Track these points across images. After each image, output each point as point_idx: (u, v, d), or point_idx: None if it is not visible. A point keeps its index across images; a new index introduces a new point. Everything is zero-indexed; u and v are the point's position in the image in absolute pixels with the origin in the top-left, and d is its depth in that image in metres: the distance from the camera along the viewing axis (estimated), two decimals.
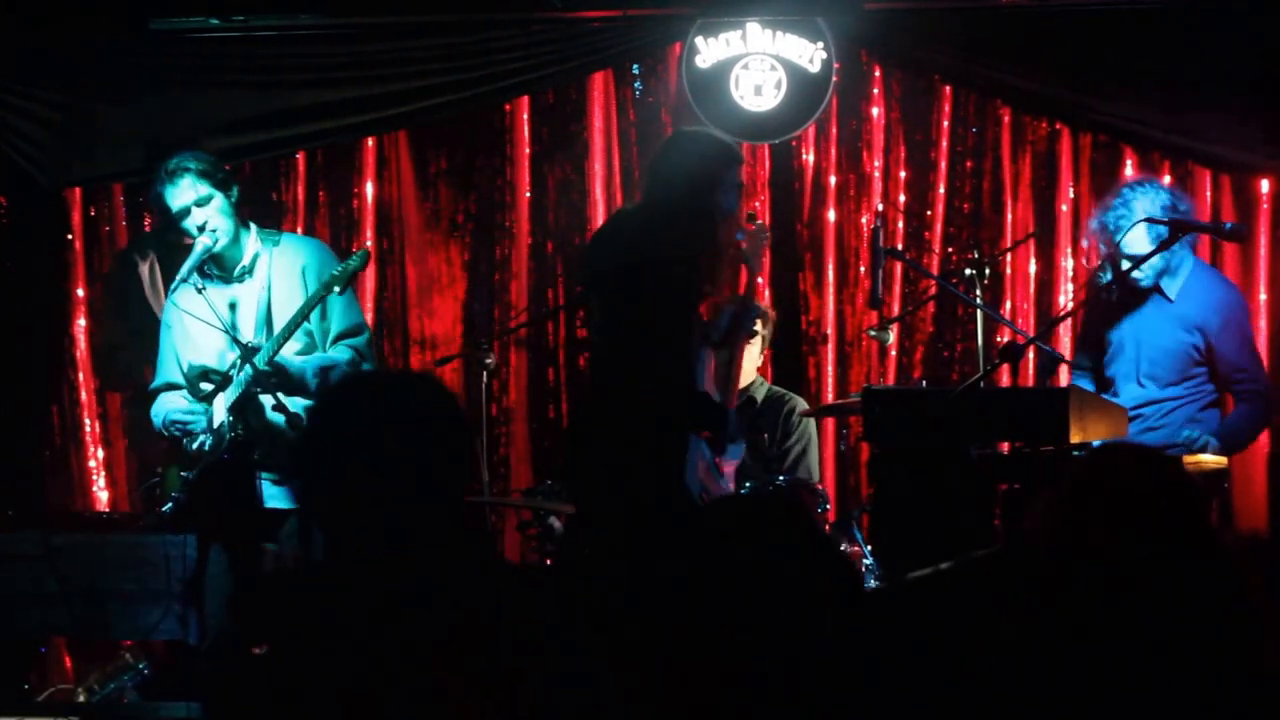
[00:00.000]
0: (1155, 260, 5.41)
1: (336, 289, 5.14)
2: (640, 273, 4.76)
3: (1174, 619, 2.41)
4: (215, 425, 5.30)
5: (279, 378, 5.13)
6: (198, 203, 5.22)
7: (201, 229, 5.23)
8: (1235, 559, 2.50)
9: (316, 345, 5.34)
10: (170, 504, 5.39)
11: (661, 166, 4.98)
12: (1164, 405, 5.55)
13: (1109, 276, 5.56)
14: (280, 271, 5.34)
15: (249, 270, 5.34)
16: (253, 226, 5.43)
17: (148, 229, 6.93)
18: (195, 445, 5.33)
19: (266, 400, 5.14)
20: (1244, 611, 2.45)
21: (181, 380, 5.44)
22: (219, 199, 5.24)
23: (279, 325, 5.27)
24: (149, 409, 5.56)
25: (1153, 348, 5.58)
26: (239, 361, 5.25)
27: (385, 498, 2.50)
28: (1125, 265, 5.45)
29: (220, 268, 5.33)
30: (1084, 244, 6.01)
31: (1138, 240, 5.43)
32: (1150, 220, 5.41)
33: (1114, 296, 5.65)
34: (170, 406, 5.41)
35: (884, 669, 2.35)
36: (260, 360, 5.13)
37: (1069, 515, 2.54)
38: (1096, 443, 5.13)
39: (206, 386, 5.37)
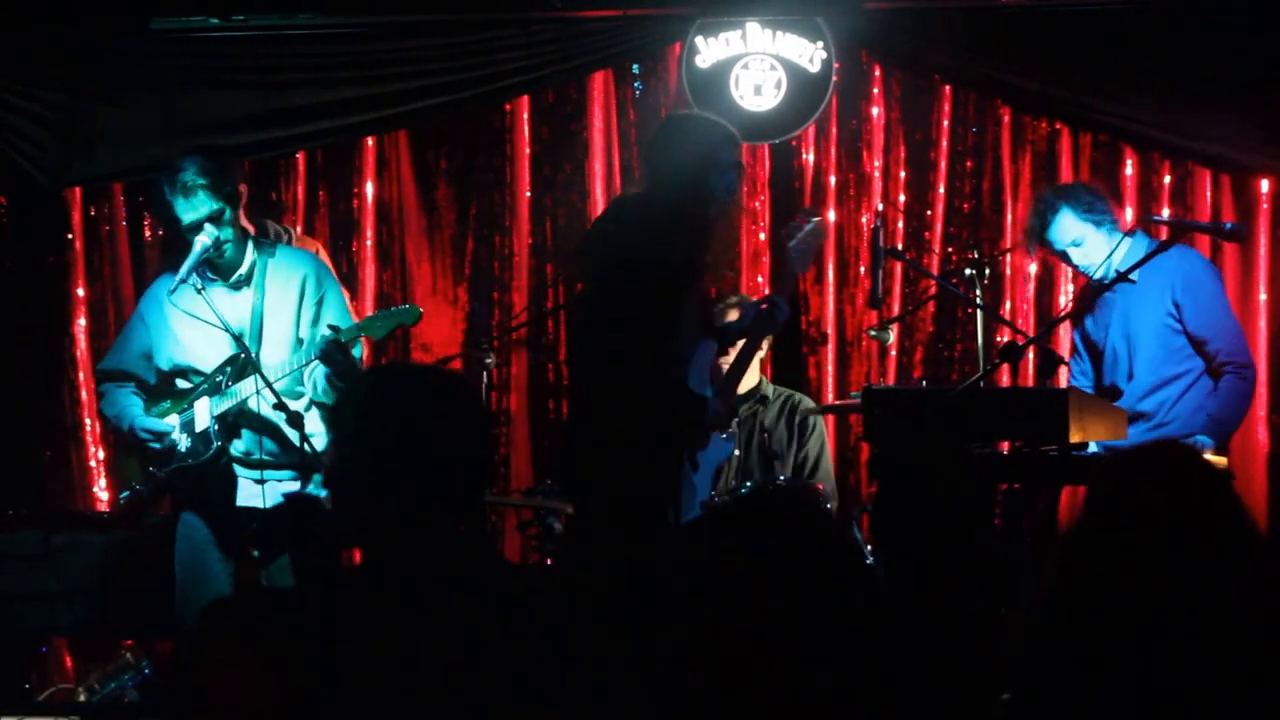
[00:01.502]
0: (1104, 251, 5.47)
1: (377, 333, 5.20)
2: (634, 266, 4.73)
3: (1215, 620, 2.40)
4: (198, 429, 5.28)
5: (343, 359, 5.13)
6: (210, 218, 5.20)
7: (213, 240, 5.22)
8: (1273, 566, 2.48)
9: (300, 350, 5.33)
10: (127, 492, 5.36)
11: (655, 155, 4.94)
12: (1166, 394, 5.52)
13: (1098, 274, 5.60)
14: (275, 281, 5.33)
15: (245, 279, 5.32)
16: (250, 237, 5.42)
17: (148, 228, 6.94)
18: (166, 445, 5.31)
19: (265, 400, 5.13)
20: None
21: (138, 373, 5.42)
22: (228, 213, 5.24)
23: (269, 333, 5.27)
24: (98, 388, 5.56)
25: (1137, 332, 5.59)
26: (229, 369, 5.23)
27: (406, 490, 2.51)
28: (1074, 259, 5.58)
29: (219, 274, 5.31)
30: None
31: (1067, 229, 5.55)
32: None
33: (1079, 297, 5.71)
34: (137, 415, 5.39)
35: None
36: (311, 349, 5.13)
37: (1115, 512, 2.51)
38: (1094, 443, 5.14)
39: (183, 384, 5.36)
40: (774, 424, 6.18)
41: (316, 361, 5.16)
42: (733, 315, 6.00)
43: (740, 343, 5.24)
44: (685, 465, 4.78)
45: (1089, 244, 5.58)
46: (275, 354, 5.24)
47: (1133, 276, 5.43)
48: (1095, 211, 5.57)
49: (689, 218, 4.76)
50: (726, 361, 5.44)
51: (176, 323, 5.34)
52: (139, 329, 5.45)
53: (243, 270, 5.31)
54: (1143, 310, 5.58)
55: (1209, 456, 5.26)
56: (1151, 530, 2.46)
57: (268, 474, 5.29)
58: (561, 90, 7.01)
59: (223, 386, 5.24)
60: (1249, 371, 5.56)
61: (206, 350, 5.29)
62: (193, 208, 5.16)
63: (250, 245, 5.34)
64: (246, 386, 5.17)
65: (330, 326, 5.12)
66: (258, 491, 5.28)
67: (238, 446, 5.29)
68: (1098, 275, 5.59)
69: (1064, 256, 5.68)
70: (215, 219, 5.19)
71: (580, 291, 6.50)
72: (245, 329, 5.26)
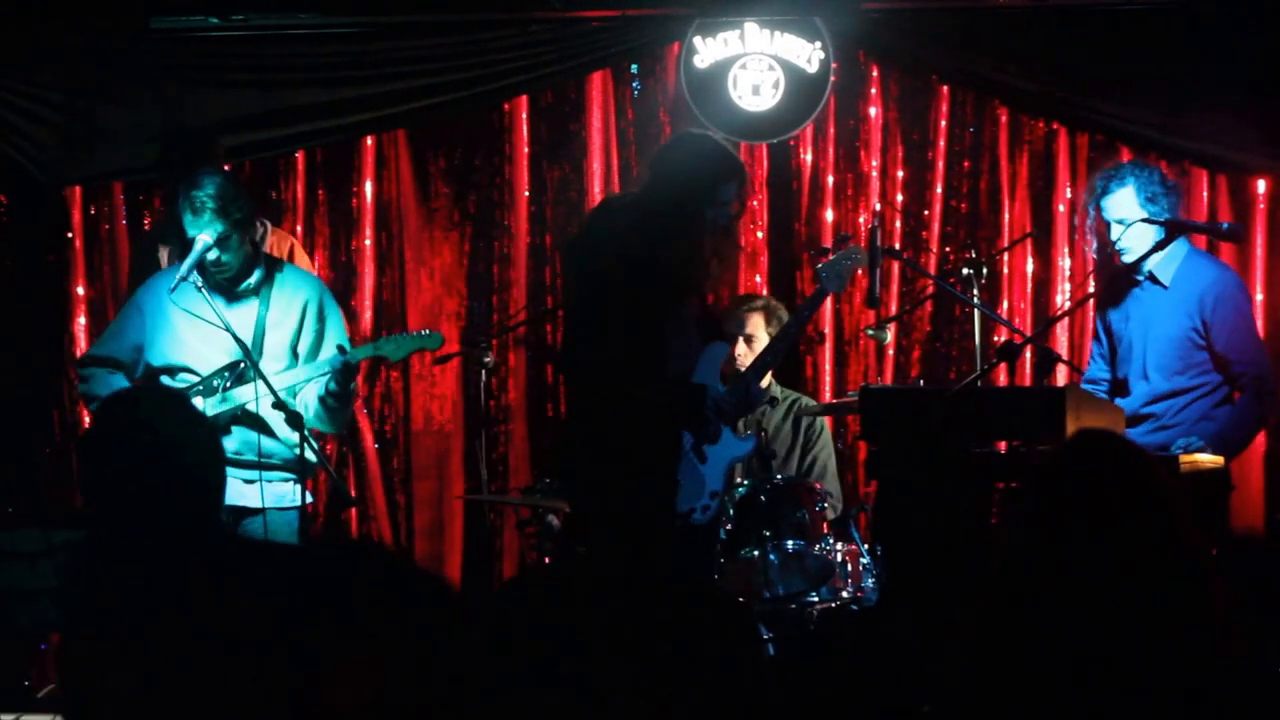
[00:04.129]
0: (1146, 244, 5.42)
1: (394, 355, 5.41)
2: (623, 268, 4.76)
3: (1133, 614, 2.39)
4: None
5: (347, 383, 5.23)
6: (218, 240, 5.17)
7: (215, 257, 5.21)
8: (1197, 553, 2.46)
9: (299, 365, 5.33)
10: None
11: (659, 167, 4.96)
12: (1175, 402, 5.50)
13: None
14: (280, 298, 5.33)
15: (253, 291, 5.31)
16: (261, 252, 5.43)
17: (148, 227, 6.95)
18: None
19: (264, 398, 5.14)
20: (1202, 606, 2.42)
21: (127, 363, 5.40)
22: (234, 239, 5.20)
23: (269, 348, 5.27)
24: (82, 369, 5.51)
25: (1157, 338, 5.54)
26: (228, 374, 5.22)
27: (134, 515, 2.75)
28: (1112, 234, 5.48)
29: (220, 291, 5.27)
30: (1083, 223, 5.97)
31: (1122, 205, 5.45)
32: (1147, 221, 5.43)
33: (1107, 282, 5.66)
34: None
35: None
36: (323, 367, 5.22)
37: (1044, 507, 2.51)
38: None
39: (171, 384, 5.36)
40: (779, 426, 6.21)
41: (314, 381, 5.20)
42: (755, 318, 6.05)
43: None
44: (689, 458, 4.80)
45: (1135, 229, 5.45)
46: (272, 367, 5.23)
47: (1165, 281, 5.44)
48: (1156, 202, 5.45)
49: (679, 234, 4.80)
50: (743, 362, 5.52)
51: (176, 320, 5.32)
52: (135, 320, 5.39)
53: (249, 282, 5.30)
54: (1166, 318, 5.52)
55: (1205, 456, 5.27)
56: (1072, 524, 2.46)
57: (262, 474, 5.30)
58: (560, 90, 7.02)
59: (219, 389, 5.23)
60: (1270, 398, 5.52)
61: (204, 350, 5.28)
62: (197, 226, 5.15)
63: (259, 261, 5.35)
64: (244, 394, 5.17)
65: (339, 348, 5.16)
66: (250, 491, 5.28)
67: (229, 446, 5.28)
68: (1127, 259, 5.50)
69: (1107, 228, 5.54)
70: (222, 242, 5.16)
71: (574, 283, 6.48)
72: (248, 338, 5.24)
